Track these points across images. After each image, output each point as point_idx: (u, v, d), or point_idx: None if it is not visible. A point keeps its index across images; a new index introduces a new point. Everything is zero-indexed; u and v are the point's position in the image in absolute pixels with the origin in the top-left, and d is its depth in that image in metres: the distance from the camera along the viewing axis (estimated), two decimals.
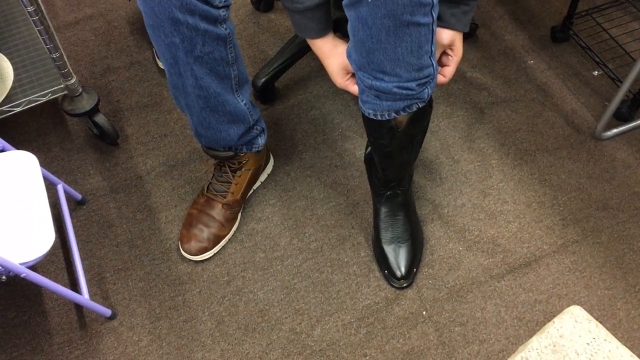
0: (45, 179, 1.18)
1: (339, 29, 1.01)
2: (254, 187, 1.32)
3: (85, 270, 1.23)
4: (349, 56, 0.91)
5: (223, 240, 1.24)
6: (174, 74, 1.01)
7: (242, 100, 1.10)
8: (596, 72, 1.51)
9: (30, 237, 0.96)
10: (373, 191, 1.22)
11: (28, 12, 1.09)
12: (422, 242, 1.23)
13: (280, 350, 1.12)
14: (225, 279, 1.21)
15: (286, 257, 1.24)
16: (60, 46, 1.19)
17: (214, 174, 1.25)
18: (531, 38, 1.58)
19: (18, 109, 1.26)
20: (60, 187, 1.23)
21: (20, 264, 0.94)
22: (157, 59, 1.54)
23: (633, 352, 0.72)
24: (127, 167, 1.38)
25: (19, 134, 1.44)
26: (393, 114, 0.94)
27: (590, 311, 1.14)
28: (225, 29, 0.97)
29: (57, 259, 1.25)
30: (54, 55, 1.19)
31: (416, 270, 1.19)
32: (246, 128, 1.14)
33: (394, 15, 0.79)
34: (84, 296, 1.11)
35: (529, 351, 0.73)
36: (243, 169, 1.23)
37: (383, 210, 1.19)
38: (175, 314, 1.17)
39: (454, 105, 1.45)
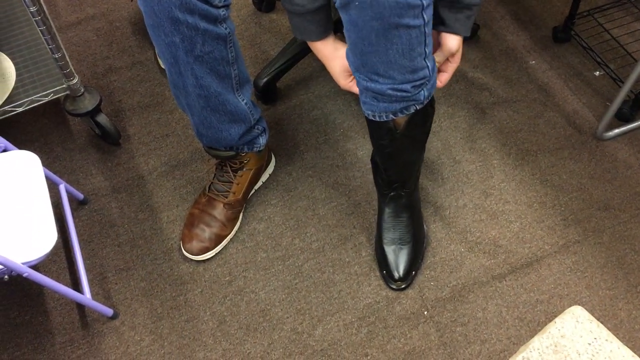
0: (48, 178, 1.18)
1: (340, 30, 1.01)
2: (256, 187, 1.32)
3: (87, 270, 1.24)
4: (347, 57, 0.91)
5: (225, 240, 1.24)
6: (175, 74, 1.01)
7: (243, 100, 1.10)
8: (598, 72, 1.51)
9: (33, 237, 0.97)
10: (378, 191, 1.22)
11: (30, 12, 1.09)
12: (424, 245, 1.22)
13: (281, 350, 1.13)
14: (227, 278, 1.22)
15: (288, 257, 1.24)
16: (62, 46, 1.19)
17: (215, 174, 1.26)
18: (533, 38, 1.58)
19: (20, 109, 1.26)
20: (62, 187, 1.24)
21: (23, 263, 0.94)
22: (158, 59, 1.55)
23: (634, 352, 0.72)
24: (129, 167, 1.38)
25: (21, 134, 1.45)
26: (390, 116, 0.94)
27: (591, 311, 1.14)
28: (225, 29, 0.98)
29: (59, 259, 1.25)
30: (56, 56, 1.19)
31: (415, 274, 1.19)
32: (247, 128, 1.15)
33: (381, 17, 0.79)
34: (86, 296, 1.11)
35: (530, 351, 0.73)
36: (244, 169, 1.23)
37: (386, 210, 1.19)
38: (176, 314, 1.18)
39: (456, 106, 1.45)
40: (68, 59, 1.22)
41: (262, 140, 1.21)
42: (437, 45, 0.98)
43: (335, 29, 0.99)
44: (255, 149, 1.21)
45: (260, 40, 1.61)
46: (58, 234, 1.25)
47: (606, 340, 0.72)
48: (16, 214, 0.99)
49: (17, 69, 1.31)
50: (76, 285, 1.22)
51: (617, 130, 1.38)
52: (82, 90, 1.30)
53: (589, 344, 0.72)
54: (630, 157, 1.35)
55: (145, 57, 1.58)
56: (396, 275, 1.16)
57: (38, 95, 1.26)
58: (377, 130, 1.02)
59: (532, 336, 0.86)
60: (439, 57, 0.98)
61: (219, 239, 1.23)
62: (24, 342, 1.15)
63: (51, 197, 1.04)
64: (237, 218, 1.26)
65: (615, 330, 1.13)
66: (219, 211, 1.23)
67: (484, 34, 1.59)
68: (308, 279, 1.21)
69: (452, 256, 1.22)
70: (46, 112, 1.49)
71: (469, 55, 1.54)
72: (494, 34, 1.59)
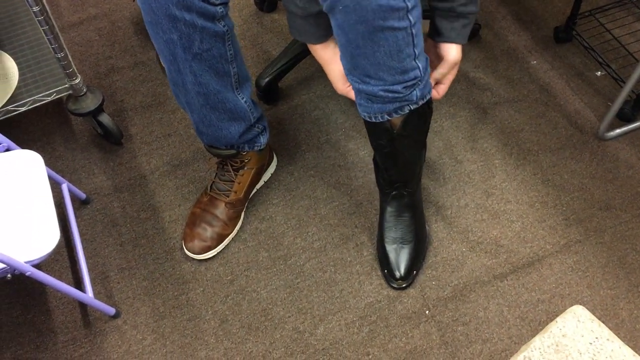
0: (50, 178, 1.18)
1: None
2: (257, 186, 1.32)
3: (90, 269, 1.24)
4: (340, 60, 0.91)
5: (226, 239, 1.25)
6: (174, 71, 1.01)
7: (243, 98, 1.11)
8: (599, 72, 1.51)
9: (35, 236, 0.97)
10: (379, 190, 1.22)
11: (33, 12, 1.09)
12: (426, 245, 1.23)
13: (283, 349, 1.13)
14: (229, 278, 1.22)
15: (289, 257, 1.24)
16: (65, 46, 1.19)
17: (216, 173, 1.26)
18: (534, 38, 1.58)
19: (23, 109, 1.27)
20: (64, 186, 1.24)
21: (25, 262, 0.94)
22: (160, 58, 1.55)
23: (636, 351, 0.72)
24: (131, 166, 1.39)
25: (24, 134, 1.45)
26: (386, 116, 0.94)
27: (592, 311, 1.14)
28: (224, 26, 0.98)
29: (62, 258, 1.26)
30: (59, 55, 1.19)
31: (416, 273, 1.19)
32: (247, 126, 1.15)
33: (365, 20, 0.80)
34: (88, 295, 1.12)
35: (532, 350, 0.73)
36: (245, 168, 1.23)
37: (388, 209, 1.20)
38: (178, 313, 1.18)
39: (457, 106, 1.45)
40: (70, 59, 1.22)
41: (263, 139, 1.22)
42: (434, 56, 0.98)
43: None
44: (256, 147, 1.21)
45: (262, 40, 1.61)
46: (60, 233, 1.26)
47: (607, 339, 0.72)
48: (19, 213, 1.00)
49: (20, 69, 1.31)
50: (78, 284, 1.22)
51: (618, 130, 1.38)
52: (85, 90, 1.30)
53: (590, 343, 0.72)
54: (631, 157, 1.35)
55: (148, 57, 1.58)
56: (397, 274, 1.17)
57: (41, 94, 1.27)
58: (374, 131, 1.02)
59: (533, 335, 0.86)
60: (443, 68, 0.98)
61: (220, 238, 1.23)
62: (27, 340, 1.16)
63: (54, 196, 1.05)
64: (238, 217, 1.27)
65: (617, 329, 1.13)
66: (221, 210, 1.23)
67: (486, 34, 1.59)
68: (310, 278, 1.21)
69: (454, 256, 1.22)
70: (49, 112, 1.49)
71: (470, 55, 1.54)
72: (495, 34, 1.59)
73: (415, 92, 0.91)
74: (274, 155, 1.36)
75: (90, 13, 1.69)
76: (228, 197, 1.24)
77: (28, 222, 0.99)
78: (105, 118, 1.35)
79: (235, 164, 1.23)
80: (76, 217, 1.31)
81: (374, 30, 0.81)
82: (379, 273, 1.21)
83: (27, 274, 0.95)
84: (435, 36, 0.96)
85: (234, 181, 1.24)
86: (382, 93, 0.89)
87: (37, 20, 1.11)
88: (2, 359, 1.14)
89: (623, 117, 1.40)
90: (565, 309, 0.76)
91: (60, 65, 1.22)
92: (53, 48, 1.18)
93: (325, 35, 0.95)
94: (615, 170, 1.33)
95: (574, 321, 0.74)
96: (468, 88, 1.48)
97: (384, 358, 1.11)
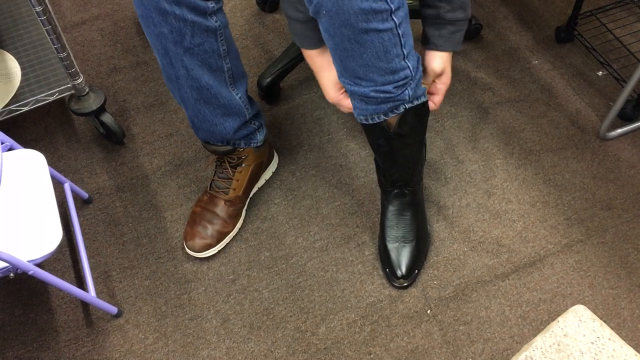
0: (53, 177, 1.19)
1: None
2: (259, 185, 1.33)
3: (92, 268, 1.24)
4: (334, 64, 0.92)
5: (227, 237, 1.25)
6: (166, 65, 1.02)
7: (238, 94, 1.11)
8: (601, 72, 1.51)
9: (38, 235, 0.97)
10: (381, 189, 1.22)
11: (36, 12, 1.10)
12: (427, 244, 1.23)
13: (285, 349, 1.13)
14: (231, 277, 1.22)
15: (291, 256, 1.24)
16: (67, 46, 1.20)
17: (215, 171, 1.26)
18: (535, 38, 1.58)
19: (26, 109, 1.27)
20: (67, 186, 1.24)
21: (28, 261, 0.94)
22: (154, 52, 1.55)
23: (637, 351, 0.72)
24: (133, 166, 1.39)
25: (26, 133, 1.46)
26: (382, 117, 0.95)
27: (594, 310, 1.15)
28: (216, 22, 0.98)
29: (64, 257, 1.26)
30: (61, 55, 1.19)
31: (418, 272, 1.19)
32: (242, 122, 1.15)
33: (349, 24, 0.80)
34: (91, 294, 1.12)
35: (534, 350, 0.73)
36: (243, 165, 1.23)
37: (390, 208, 1.20)
38: (180, 312, 1.18)
39: (459, 105, 1.46)
40: (73, 59, 1.22)
41: (260, 136, 1.22)
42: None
43: None
44: (252, 144, 1.21)
45: (264, 40, 1.61)
46: (63, 232, 1.26)
47: (609, 339, 0.73)
48: (22, 212, 1.00)
49: (22, 69, 1.31)
50: (81, 284, 1.22)
51: (620, 130, 1.38)
52: (87, 89, 1.30)
53: (592, 343, 0.72)
54: (633, 157, 1.35)
55: (150, 57, 1.59)
56: (399, 273, 1.17)
57: (43, 94, 1.27)
58: (371, 131, 1.03)
59: (535, 335, 0.86)
60: (426, 78, 0.99)
61: (221, 235, 1.23)
62: (29, 339, 1.16)
63: (56, 195, 1.05)
64: (239, 215, 1.27)
65: (618, 329, 1.13)
66: (221, 208, 1.23)
67: (487, 33, 1.59)
68: (311, 277, 1.21)
69: (455, 255, 1.23)
70: (51, 112, 1.50)
71: (471, 55, 1.54)
72: (497, 34, 1.59)
73: (407, 91, 0.91)
74: (275, 153, 1.36)
75: (92, 13, 1.69)
76: (227, 194, 1.24)
77: (31, 221, 0.99)
78: (107, 118, 1.35)
79: (233, 161, 1.23)
80: (78, 216, 1.31)
81: (358, 33, 0.81)
82: (381, 272, 1.21)
83: (30, 272, 0.95)
84: (424, 43, 0.96)
85: (232, 178, 1.24)
86: (373, 94, 0.90)
87: (40, 20, 1.12)
88: (4, 358, 1.14)
89: (624, 117, 1.40)
90: (567, 309, 0.76)
91: (63, 65, 1.22)
92: (55, 48, 1.18)
93: (320, 41, 0.95)
94: (617, 170, 1.33)
95: (576, 321, 0.74)
96: (469, 88, 1.48)
97: (385, 357, 1.11)
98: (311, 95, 1.50)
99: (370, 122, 0.96)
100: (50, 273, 1.01)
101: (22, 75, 1.30)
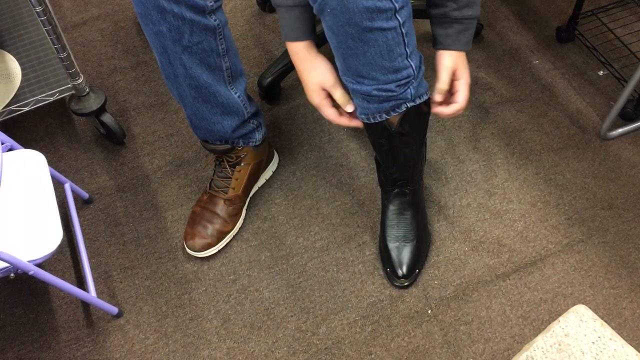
0: (53, 177, 1.19)
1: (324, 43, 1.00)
2: (259, 184, 1.32)
3: (92, 269, 1.24)
4: (336, 62, 0.91)
5: (227, 237, 1.25)
6: (165, 63, 1.02)
7: (236, 93, 1.11)
8: (601, 71, 1.50)
9: (38, 235, 0.97)
10: (382, 188, 1.22)
11: (36, 12, 1.10)
12: (428, 243, 1.23)
13: (285, 349, 1.13)
14: (231, 277, 1.22)
15: (292, 256, 1.24)
16: (67, 46, 1.20)
17: (214, 170, 1.26)
18: (536, 38, 1.58)
19: (26, 109, 1.27)
20: (67, 186, 1.24)
21: (29, 261, 0.94)
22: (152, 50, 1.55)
23: (638, 351, 0.72)
24: (133, 166, 1.39)
25: (27, 133, 1.46)
26: (384, 116, 0.94)
27: (595, 310, 1.14)
28: (215, 20, 0.98)
29: (65, 257, 1.26)
30: (62, 55, 1.19)
31: (419, 271, 1.19)
32: (241, 121, 1.15)
33: (353, 22, 0.80)
34: (91, 294, 1.12)
35: (535, 350, 0.73)
36: (242, 164, 1.23)
37: (390, 207, 1.20)
38: (181, 312, 1.18)
39: None
40: (73, 59, 1.22)
41: (258, 135, 1.22)
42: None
43: (322, 42, 0.98)
44: (251, 143, 1.21)
45: (265, 40, 1.61)
46: (63, 232, 1.26)
47: (610, 339, 0.72)
48: (22, 212, 1.00)
49: (22, 69, 1.31)
50: (81, 284, 1.22)
51: (620, 130, 1.38)
52: (87, 90, 1.30)
53: (593, 342, 0.72)
54: (634, 157, 1.35)
55: (150, 57, 1.59)
56: (400, 272, 1.17)
57: (43, 94, 1.27)
58: (373, 130, 1.03)
59: (536, 335, 0.86)
60: (440, 82, 0.97)
61: (221, 235, 1.23)
62: (30, 340, 1.16)
63: (56, 196, 1.05)
64: (239, 214, 1.27)
65: (619, 329, 1.13)
66: (220, 207, 1.23)
67: (488, 33, 1.59)
68: (312, 277, 1.21)
69: (456, 255, 1.22)
70: (52, 112, 1.50)
71: (472, 55, 1.54)
72: (497, 33, 1.59)
73: (409, 90, 0.91)
74: (275, 153, 1.36)
75: (93, 13, 1.69)
76: (226, 193, 1.24)
77: (31, 221, 0.99)
78: (107, 118, 1.35)
79: (232, 160, 1.23)
80: (79, 216, 1.31)
81: (362, 31, 0.81)
82: (381, 272, 1.21)
83: (30, 273, 0.95)
84: (433, 44, 0.96)
85: (231, 177, 1.24)
86: (376, 92, 0.89)
87: (40, 20, 1.12)
88: (5, 358, 1.14)
89: (625, 117, 1.40)
90: (568, 309, 0.76)
91: (63, 66, 1.22)
92: (56, 48, 1.18)
93: (308, 32, 0.93)
94: (618, 170, 1.33)
95: (577, 320, 0.74)
96: (470, 87, 1.48)
97: (386, 357, 1.11)
98: None
99: (372, 121, 0.96)
100: (51, 273, 1.01)
101: (23, 75, 1.30)
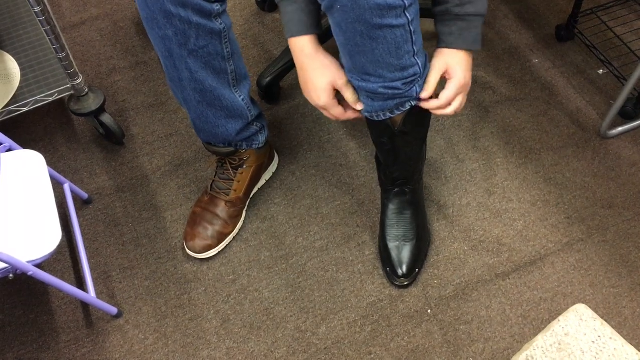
0: (52, 178, 1.19)
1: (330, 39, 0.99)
2: (259, 185, 1.32)
3: (92, 269, 1.24)
4: (340, 60, 0.91)
5: (227, 238, 1.25)
6: (170, 67, 1.02)
7: (240, 96, 1.11)
8: (601, 70, 1.50)
9: (37, 236, 0.97)
10: (381, 187, 1.22)
11: (35, 12, 1.10)
12: (428, 243, 1.23)
13: (285, 349, 1.13)
14: (231, 277, 1.22)
15: (291, 256, 1.24)
16: (66, 46, 1.19)
17: (216, 172, 1.26)
18: (536, 37, 1.58)
19: (25, 109, 1.27)
20: (66, 186, 1.24)
21: (28, 262, 0.94)
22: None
23: (638, 350, 0.72)
24: (133, 166, 1.39)
25: (26, 134, 1.45)
26: (388, 114, 0.94)
27: (595, 309, 1.14)
28: (220, 24, 0.98)
29: (64, 258, 1.26)
30: (61, 56, 1.19)
31: (419, 271, 1.19)
32: (244, 124, 1.15)
33: (363, 19, 0.79)
34: (91, 294, 1.12)
35: (534, 349, 0.73)
36: (244, 166, 1.23)
37: (390, 207, 1.20)
38: (181, 313, 1.18)
39: None
40: (72, 59, 1.22)
41: (261, 138, 1.22)
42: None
43: (325, 39, 0.97)
44: (254, 146, 1.21)
45: (264, 40, 1.61)
46: (62, 233, 1.26)
47: (610, 338, 0.72)
48: (21, 213, 1.00)
49: (21, 69, 1.31)
50: (81, 284, 1.22)
51: (620, 129, 1.37)
52: (86, 90, 1.30)
53: (593, 342, 0.72)
54: (634, 155, 1.35)
55: (149, 57, 1.59)
56: (400, 271, 1.17)
57: (42, 95, 1.27)
58: (376, 129, 1.03)
59: (536, 334, 0.86)
60: (428, 79, 0.92)
61: (221, 236, 1.23)
62: (29, 340, 1.16)
63: (56, 196, 1.05)
64: (239, 216, 1.27)
65: (619, 328, 1.12)
66: (221, 209, 1.23)
67: (487, 32, 1.59)
68: (312, 277, 1.21)
69: (456, 254, 1.22)
70: (51, 112, 1.50)
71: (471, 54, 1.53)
72: (497, 32, 1.59)
73: (415, 88, 0.91)
74: (275, 154, 1.36)
75: (92, 13, 1.69)
76: (228, 195, 1.24)
77: (30, 222, 0.99)
78: (107, 118, 1.35)
79: (234, 162, 1.23)
80: (78, 217, 1.31)
81: (372, 29, 0.81)
82: (381, 272, 1.21)
83: (30, 273, 0.95)
84: (437, 44, 0.93)
85: (233, 180, 1.24)
86: (382, 90, 0.89)
87: (39, 20, 1.11)
88: (5, 358, 1.14)
89: (625, 115, 1.39)
90: (568, 308, 0.76)
91: (62, 66, 1.22)
92: (55, 48, 1.18)
93: (314, 25, 0.91)
94: (618, 169, 1.33)
95: (577, 320, 0.74)
96: (469, 89, 1.48)
97: (386, 357, 1.11)
98: None
99: (375, 118, 0.96)
100: (50, 274, 1.01)
101: (22, 75, 1.30)
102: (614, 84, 1.47)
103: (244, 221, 1.28)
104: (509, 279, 1.19)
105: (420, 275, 1.20)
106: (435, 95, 0.95)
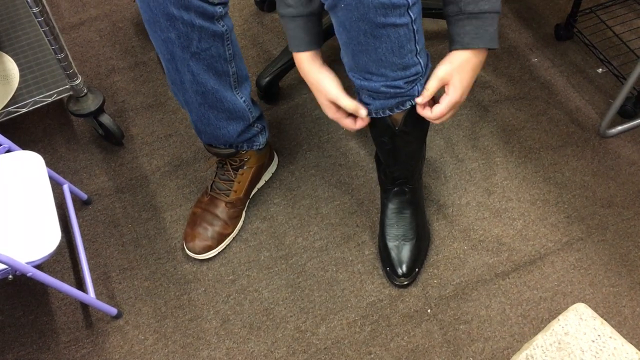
0: (51, 179, 1.18)
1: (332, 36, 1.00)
2: (258, 186, 1.32)
3: (91, 270, 1.24)
4: (341, 59, 0.91)
5: (227, 239, 1.25)
6: (172, 70, 1.02)
7: (242, 98, 1.11)
8: (600, 69, 1.50)
9: (37, 237, 0.97)
10: (381, 187, 1.22)
11: (33, 13, 1.10)
12: (427, 242, 1.23)
13: (285, 349, 1.13)
14: (230, 277, 1.22)
15: (291, 256, 1.24)
16: (65, 47, 1.19)
17: (216, 173, 1.26)
18: (535, 36, 1.58)
19: (24, 110, 1.27)
20: (66, 187, 1.24)
21: (27, 263, 0.94)
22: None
23: (638, 349, 0.72)
24: (132, 167, 1.39)
25: (25, 135, 1.45)
26: (387, 112, 0.94)
27: (595, 309, 1.14)
28: (223, 26, 0.98)
29: (63, 259, 1.26)
30: (60, 56, 1.19)
31: (418, 270, 1.19)
32: (246, 125, 1.15)
33: (367, 18, 0.79)
34: (90, 295, 1.12)
35: (534, 349, 0.73)
36: (245, 167, 1.23)
37: (390, 206, 1.20)
38: (180, 313, 1.18)
39: None
40: (71, 60, 1.22)
41: (262, 139, 1.22)
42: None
43: (326, 37, 0.98)
44: (254, 147, 1.21)
45: (263, 40, 1.61)
46: (62, 233, 1.26)
47: (610, 337, 0.72)
48: (20, 214, 1.00)
49: (20, 70, 1.31)
50: (80, 285, 1.22)
51: (620, 128, 1.37)
52: (86, 90, 1.30)
53: (593, 341, 0.72)
54: (633, 154, 1.35)
55: (148, 58, 1.59)
56: (399, 271, 1.17)
57: (41, 96, 1.27)
58: (376, 128, 1.03)
59: (535, 334, 0.86)
60: (427, 85, 0.91)
61: (221, 237, 1.23)
62: (29, 341, 1.16)
63: (55, 197, 1.05)
64: (239, 216, 1.27)
65: (619, 327, 1.12)
66: (221, 210, 1.23)
67: None
68: (311, 277, 1.21)
69: (455, 254, 1.22)
70: (50, 113, 1.50)
71: None
72: None
73: (417, 87, 0.91)
74: (275, 154, 1.36)
75: (90, 14, 1.69)
76: (228, 196, 1.24)
77: (29, 223, 0.99)
78: (106, 119, 1.35)
79: (235, 163, 1.23)
80: (77, 217, 1.31)
81: (375, 27, 0.81)
82: (381, 272, 1.21)
83: (29, 274, 0.95)
84: (450, 46, 0.90)
85: (233, 180, 1.24)
86: (384, 89, 0.89)
87: (38, 21, 1.11)
88: (4, 359, 1.14)
89: (624, 114, 1.39)
90: (568, 307, 0.76)
91: (61, 66, 1.22)
92: (53, 49, 1.18)
93: (313, 42, 0.93)
94: (617, 168, 1.33)
95: (576, 319, 0.74)
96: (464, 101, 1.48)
97: (385, 357, 1.11)
98: (310, 94, 1.49)
99: (375, 116, 0.96)
100: (50, 275, 1.01)
101: (21, 76, 1.30)
102: (613, 82, 1.47)
103: (243, 221, 1.28)
104: (509, 278, 1.19)
105: (420, 274, 1.20)
106: (436, 98, 0.95)
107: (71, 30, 1.65)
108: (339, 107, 0.97)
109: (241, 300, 1.19)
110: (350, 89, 0.96)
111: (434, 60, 0.92)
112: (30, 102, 1.26)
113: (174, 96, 1.10)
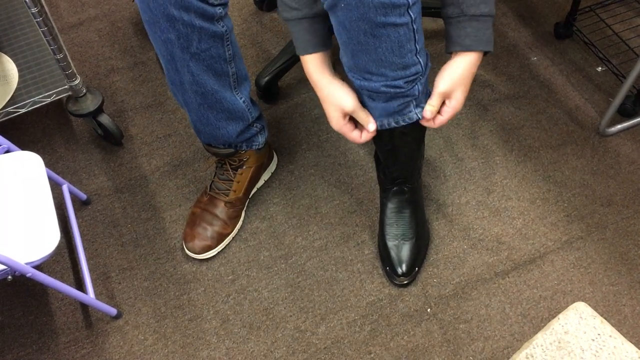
0: (50, 179, 1.18)
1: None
2: (258, 185, 1.32)
3: (91, 270, 1.24)
4: (340, 59, 0.91)
5: (227, 239, 1.25)
6: (171, 70, 1.01)
7: (241, 98, 1.11)
8: (600, 68, 1.50)
9: (36, 237, 0.97)
10: (380, 186, 1.22)
11: (32, 13, 1.09)
12: (427, 242, 1.22)
13: (285, 349, 1.13)
14: (230, 277, 1.22)
15: (290, 256, 1.24)
16: (64, 47, 1.19)
17: (215, 172, 1.26)
18: (534, 34, 1.57)
19: (23, 110, 1.27)
20: (65, 187, 1.24)
21: (26, 263, 0.94)
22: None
23: (638, 348, 0.72)
24: (131, 167, 1.39)
25: (24, 135, 1.45)
26: (393, 124, 0.94)
27: (595, 307, 1.14)
28: (222, 27, 0.98)
29: (63, 259, 1.26)
30: (58, 57, 1.19)
31: (418, 270, 1.19)
32: (245, 125, 1.15)
33: (367, 17, 0.79)
34: (90, 295, 1.12)
35: (534, 348, 0.73)
36: (244, 167, 1.23)
37: (389, 206, 1.20)
38: (180, 313, 1.18)
39: None
40: (70, 60, 1.22)
41: (261, 139, 1.22)
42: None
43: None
44: (254, 147, 1.21)
45: (262, 39, 1.61)
46: (61, 234, 1.26)
47: (610, 336, 0.72)
48: (19, 214, 1.00)
49: (19, 70, 1.31)
50: (80, 285, 1.22)
51: (619, 126, 1.37)
52: (85, 90, 1.30)
53: (593, 340, 0.72)
54: (633, 153, 1.35)
55: (147, 57, 1.58)
56: (399, 270, 1.16)
57: (41, 96, 1.27)
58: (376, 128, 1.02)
59: (535, 333, 0.86)
60: (430, 101, 0.92)
61: (221, 237, 1.23)
62: (29, 342, 1.16)
63: (54, 197, 1.05)
64: (239, 216, 1.27)
65: (619, 326, 1.12)
66: (221, 209, 1.23)
67: None
68: (311, 277, 1.21)
69: (455, 253, 1.22)
70: (49, 113, 1.49)
71: None
72: (495, 30, 1.59)
73: (417, 86, 0.91)
74: (274, 154, 1.36)
75: (89, 14, 1.69)
76: (227, 196, 1.23)
77: (28, 223, 0.99)
78: (105, 119, 1.35)
79: (234, 163, 1.23)
80: (77, 218, 1.31)
81: (375, 27, 0.80)
82: (380, 271, 1.21)
83: (28, 275, 0.95)
84: (447, 48, 0.91)
85: (232, 180, 1.24)
86: (383, 89, 0.89)
87: (36, 21, 1.11)
88: None
89: (624, 113, 1.39)
90: (567, 306, 0.76)
91: (60, 67, 1.22)
92: (52, 49, 1.18)
93: (320, 44, 0.92)
94: (617, 166, 1.33)
95: (576, 318, 0.74)
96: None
97: (385, 356, 1.11)
98: (310, 94, 1.49)
99: (380, 128, 0.95)
100: (49, 275, 1.01)
101: (19, 77, 1.30)
102: (612, 81, 1.47)
103: (242, 221, 1.28)
104: (509, 277, 1.19)
105: (420, 274, 1.20)
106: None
107: (70, 31, 1.65)
108: (347, 119, 0.95)
109: (241, 300, 1.19)
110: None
111: (434, 59, 0.92)
112: (29, 102, 1.26)
113: (174, 96, 1.10)
